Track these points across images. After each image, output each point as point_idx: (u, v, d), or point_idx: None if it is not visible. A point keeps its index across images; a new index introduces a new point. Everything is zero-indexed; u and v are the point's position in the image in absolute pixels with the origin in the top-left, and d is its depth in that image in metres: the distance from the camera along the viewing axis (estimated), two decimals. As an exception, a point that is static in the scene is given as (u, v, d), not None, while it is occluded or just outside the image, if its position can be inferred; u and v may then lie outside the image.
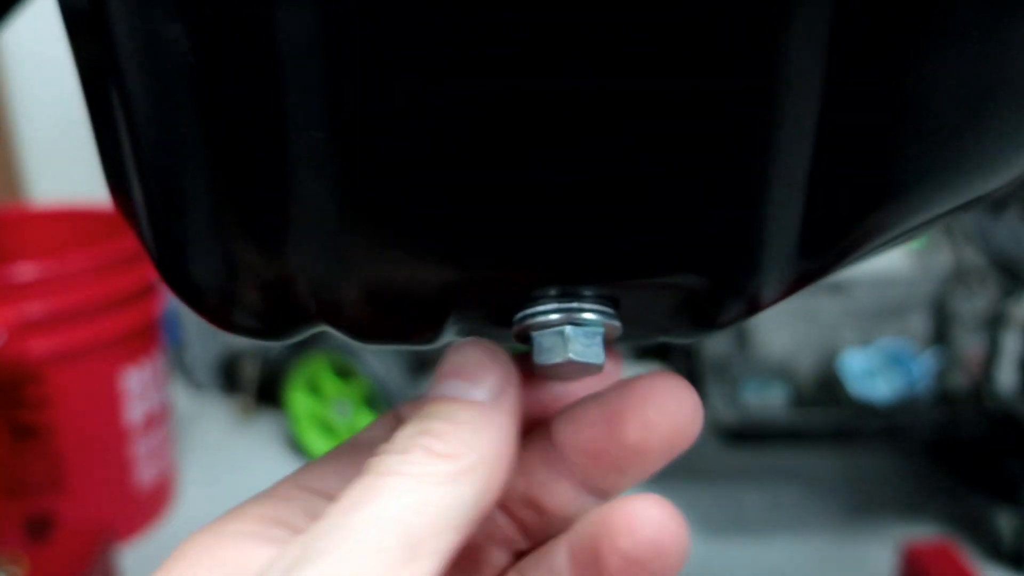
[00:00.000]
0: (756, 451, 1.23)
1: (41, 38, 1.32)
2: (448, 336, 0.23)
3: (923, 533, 1.09)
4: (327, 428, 1.32)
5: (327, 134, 0.19)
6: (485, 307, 0.22)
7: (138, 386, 1.14)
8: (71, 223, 1.27)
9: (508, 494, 0.23)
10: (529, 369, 0.23)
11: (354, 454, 0.23)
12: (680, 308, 0.22)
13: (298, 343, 1.40)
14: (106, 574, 1.01)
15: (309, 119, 0.19)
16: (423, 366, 1.45)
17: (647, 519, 0.20)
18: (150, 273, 1.15)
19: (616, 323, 0.22)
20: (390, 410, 0.25)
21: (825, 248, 0.21)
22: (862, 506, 1.18)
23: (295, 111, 0.19)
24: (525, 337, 0.22)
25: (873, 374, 1.06)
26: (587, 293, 0.22)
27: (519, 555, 0.24)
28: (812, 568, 1.09)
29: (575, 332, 0.22)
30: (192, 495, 1.23)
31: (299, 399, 1.32)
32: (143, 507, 1.18)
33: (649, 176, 0.19)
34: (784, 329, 1.12)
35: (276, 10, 0.17)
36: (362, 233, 0.20)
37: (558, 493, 0.23)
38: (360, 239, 0.20)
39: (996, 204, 1.10)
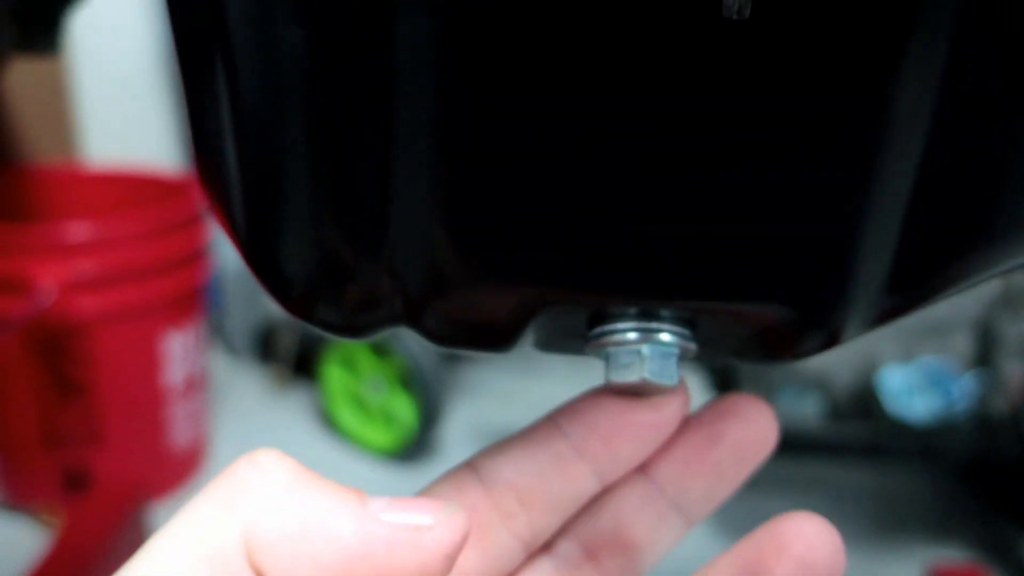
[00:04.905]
0: (785, 460, 1.22)
1: None
2: (524, 345, 0.23)
3: (950, 556, 1.08)
4: (360, 405, 1.33)
5: (432, 145, 0.19)
6: (564, 321, 0.22)
7: (179, 349, 1.16)
8: (122, 185, 1.29)
9: (594, 538, 0.24)
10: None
11: None
12: (759, 336, 0.22)
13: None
14: (139, 530, 1.03)
15: (416, 129, 0.19)
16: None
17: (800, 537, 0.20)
18: (199, 240, 1.16)
19: (692, 345, 0.22)
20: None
21: (914, 286, 0.21)
22: (890, 524, 1.17)
23: (403, 119, 0.19)
24: (600, 351, 0.23)
25: (912, 392, 1.05)
26: (665, 314, 0.22)
27: None
28: (833, 581, 1.08)
29: (652, 352, 0.22)
30: (223, 459, 1.25)
31: (334, 373, 1.34)
32: (176, 468, 1.20)
33: (739, 202, 0.19)
34: (824, 340, 1.11)
35: (394, 22, 0.18)
36: (455, 243, 0.20)
37: (647, 523, 0.24)
38: (452, 248, 0.20)
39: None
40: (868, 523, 1.17)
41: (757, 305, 0.21)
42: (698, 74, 0.18)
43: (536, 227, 0.20)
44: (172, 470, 1.20)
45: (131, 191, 1.27)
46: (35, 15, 0.46)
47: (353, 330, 0.23)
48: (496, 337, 0.22)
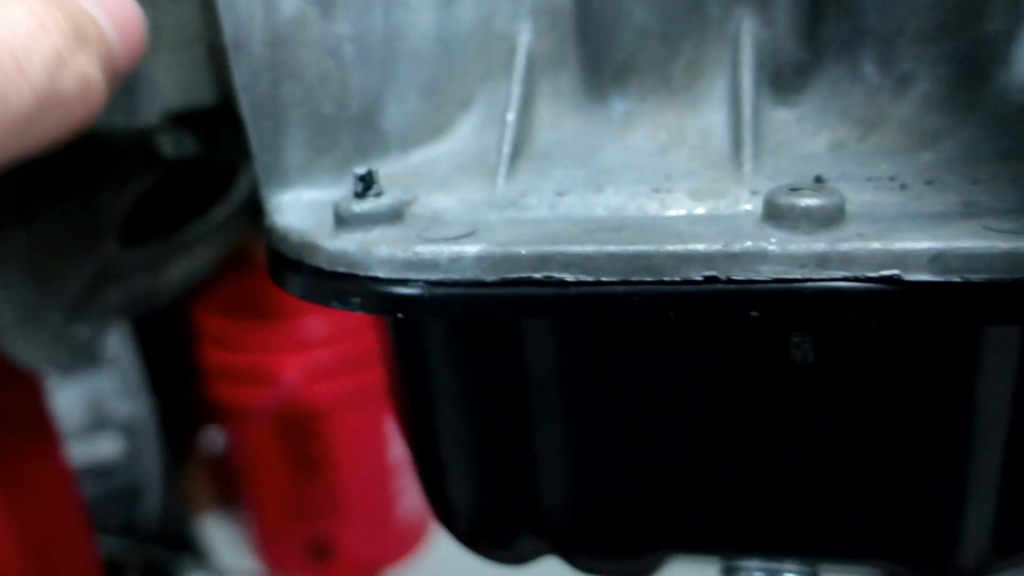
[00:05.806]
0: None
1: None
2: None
3: None
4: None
5: (564, 433, 0.22)
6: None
7: (404, 427, 1.26)
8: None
9: None
10: None
11: None
12: (882, 577, 0.24)
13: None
14: (374, 601, 1.12)
15: (549, 433, 0.23)
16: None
17: None
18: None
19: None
20: None
21: (1013, 550, 0.22)
22: None
23: (541, 411, 0.23)
24: (732, 578, 0.25)
25: None
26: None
27: None
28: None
29: (776, 593, 0.24)
30: (449, 528, 1.33)
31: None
32: (405, 539, 1.29)
33: (852, 489, 0.21)
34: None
35: (527, 356, 0.22)
36: (590, 502, 0.23)
37: None
38: (589, 507, 0.23)
39: None
40: None
41: (874, 562, 0.22)
42: (776, 397, 0.20)
43: (661, 500, 0.23)
44: (402, 540, 1.29)
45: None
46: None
47: (512, 561, 0.27)
48: (637, 573, 0.25)
